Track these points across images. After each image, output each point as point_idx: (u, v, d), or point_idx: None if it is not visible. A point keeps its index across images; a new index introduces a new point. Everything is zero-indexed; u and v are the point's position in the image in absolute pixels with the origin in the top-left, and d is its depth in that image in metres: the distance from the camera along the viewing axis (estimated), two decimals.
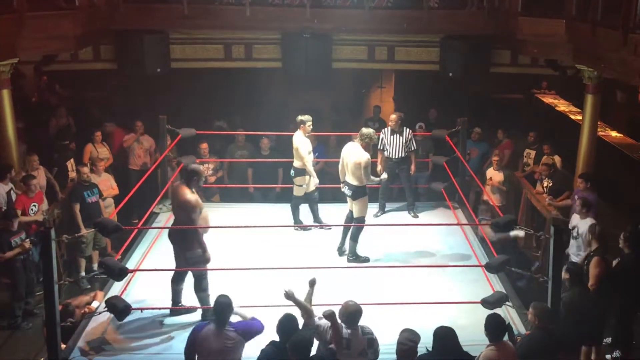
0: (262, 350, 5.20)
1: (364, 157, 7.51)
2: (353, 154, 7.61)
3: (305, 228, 8.60)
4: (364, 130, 7.73)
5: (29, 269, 8.10)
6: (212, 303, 6.46)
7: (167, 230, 8.31)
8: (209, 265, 6.50)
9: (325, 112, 9.92)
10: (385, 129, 9.05)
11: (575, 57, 9.00)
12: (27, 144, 9.86)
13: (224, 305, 5.26)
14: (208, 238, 6.60)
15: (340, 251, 7.97)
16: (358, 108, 15.65)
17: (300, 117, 8.38)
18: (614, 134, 12.26)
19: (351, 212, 7.93)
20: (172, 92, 12.67)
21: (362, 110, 15.44)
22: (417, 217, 9.18)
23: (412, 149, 9.00)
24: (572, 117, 12.96)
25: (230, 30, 10.69)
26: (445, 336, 5.01)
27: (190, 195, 6.30)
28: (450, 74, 10.73)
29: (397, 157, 8.90)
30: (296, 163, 8.42)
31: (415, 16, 10.52)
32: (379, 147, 8.95)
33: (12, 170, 8.69)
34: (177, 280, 6.64)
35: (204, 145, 10.04)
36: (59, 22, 8.85)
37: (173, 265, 6.63)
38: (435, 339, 5.03)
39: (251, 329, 5.32)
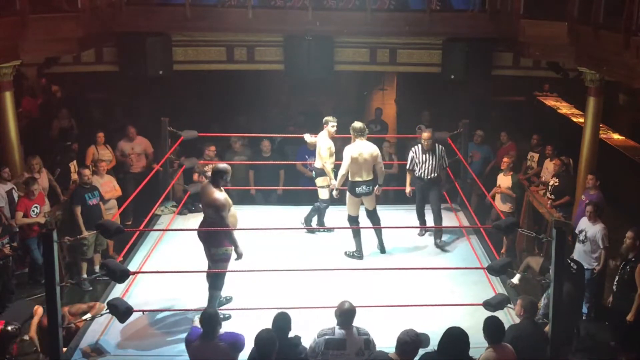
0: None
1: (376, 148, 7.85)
2: (370, 148, 7.79)
3: (311, 230, 8.60)
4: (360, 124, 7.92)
5: (7, 275, 7.98)
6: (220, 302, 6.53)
7: (168, 233, 8.38)
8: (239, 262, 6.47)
9: (327, 114, 9.90)
10: (416, 147, 8.48)
11: (578, 60, 8.98)
12: (28, 146, 9.86)
13: (212, 317, 5.24)
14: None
15: (383, 249, 8.05)
16: (360, 110, 15.64)
17: (325, 118, 8.43)
18: (616, 136, 12.24)
19: (367, 210, 7.95)
20: (174, 95, 12.67)
21: (363, 113, 15.43)
22: (443, 244, 8.34)
23: (445, 166, 8.55)
24: (574, 119, 12.95)
25: (233, 33, 10.66)
26: (456, 339, 4.87)
27: (219, 194, 6.31)
28: (452, 77, 10.70)
29: (429, 177, 8.33)
30: (318, 164, 8.37)
31: (417, 18, 10.50)
32: (407, 167, 8.56)
33: (2, 170, 8.62)
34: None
35: (212, 148, 10.00)
36: (61, 24, 8.85)
37: (177, 267, 6.59)
38: (445, 339, 4.90)
39: (237, 341, 5.27)
